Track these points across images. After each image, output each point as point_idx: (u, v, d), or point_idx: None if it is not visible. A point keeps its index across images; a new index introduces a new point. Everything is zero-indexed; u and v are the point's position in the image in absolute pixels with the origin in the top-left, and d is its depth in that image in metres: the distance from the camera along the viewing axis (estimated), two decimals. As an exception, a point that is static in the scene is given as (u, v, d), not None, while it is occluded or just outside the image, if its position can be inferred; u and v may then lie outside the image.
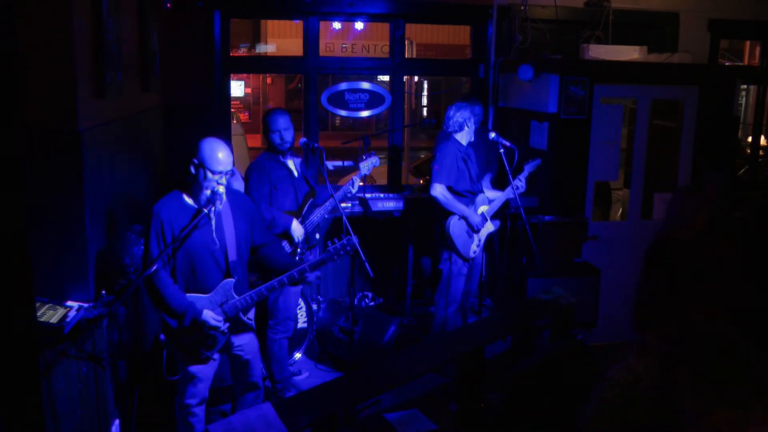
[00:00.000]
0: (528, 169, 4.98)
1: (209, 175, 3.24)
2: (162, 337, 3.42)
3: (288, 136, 4.36)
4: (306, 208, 4.43)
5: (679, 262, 3.82)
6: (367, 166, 4.77)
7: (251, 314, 3.58)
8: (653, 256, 4.10)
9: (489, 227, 4.98)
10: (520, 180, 4.92)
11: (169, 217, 3.25)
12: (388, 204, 5.46)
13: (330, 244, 3.52)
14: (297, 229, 4.31)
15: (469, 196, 4.87)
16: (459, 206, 4.77)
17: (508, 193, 4.89)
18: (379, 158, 4.93)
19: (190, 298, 3.30)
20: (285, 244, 4.32)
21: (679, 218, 4.02)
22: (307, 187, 4.51)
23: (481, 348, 4.00)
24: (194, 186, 3.30)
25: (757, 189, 6.97)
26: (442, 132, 5.16)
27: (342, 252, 3.51)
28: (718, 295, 3.64)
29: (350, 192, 4.67)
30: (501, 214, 5.11)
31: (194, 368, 3.41)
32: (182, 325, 3.27)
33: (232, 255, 3.39)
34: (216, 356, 3.46)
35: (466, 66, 6.42)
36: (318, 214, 4.49)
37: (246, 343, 3.57)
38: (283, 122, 4.35)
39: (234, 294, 3.38)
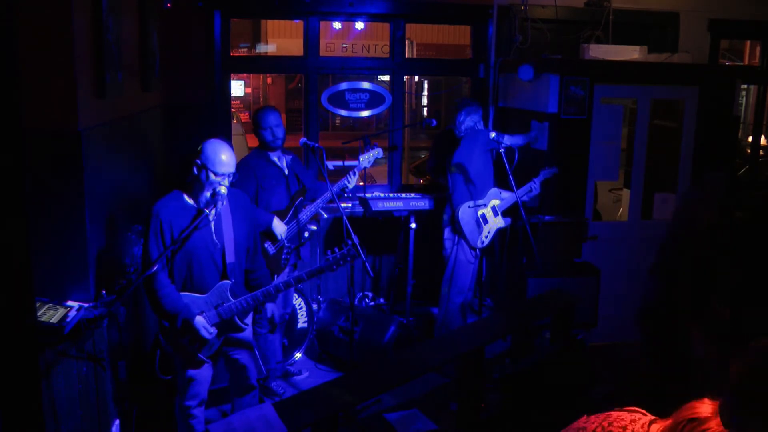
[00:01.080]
0: (544, 174, 5.05)
1: (212, 176, 3.22)
2: (161, 337, 3.42)
3: (279, 132, 4.36)
4: (295, 206, 4.40)
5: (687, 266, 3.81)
6: (367, 159, 4.65)
7: (248, 319, 3.55)
8: (665, 259, 4.09)
9: (500, 222, 5.04)
10: (534, 183, 4.99)
11: (168, 218, 3.24)
12: (388, 204, 5.45)
13: (330, 253, 3.50)
14: (278, 226, 4.27)
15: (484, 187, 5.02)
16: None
17: (520, 192, 4.90)
18: (382, 149, 4.83)
19: (187, 298, 3.30)
20: (268, 245, 4.30)
21: (688, 220, 4.02)
22: (297, 186, 4.48)
23: (481, 348, 4.00)
24: (195, 186, 3.29)
25: (757, 189, 6.97)
26: (444, 133, 5.17)
27: (342, 262, 3.49)
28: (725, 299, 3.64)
29: (347, 186, 4.51)
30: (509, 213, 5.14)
31: (191, 370, 3.42)
32: (174, 327, 3.27)
33: (230, 257, 3.38)
34: (209, 361, 3.46)
35: (467, 66, 6.41)
36: (309, 212, 4.43)
37: (242, 346, 3.57)
38: (273, 119, 4.34)
39: (230, 297, 3.37)
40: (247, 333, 3.58)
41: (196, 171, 3.26)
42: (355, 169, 4.57)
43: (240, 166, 4.39)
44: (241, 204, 3.51)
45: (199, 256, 3.31)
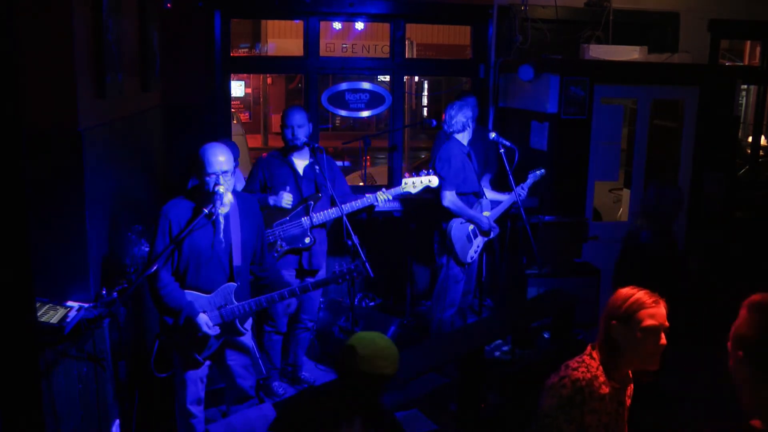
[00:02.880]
0: (532, 178, 4.94)
1: (205, 176, 3.24)
2: (162, 336, 3.42)
3: (300, 133, 4.29)
4: (296, 211, 4.31)
5: (652, 255, 3.93)
6: (413, 183, 4.38)
7: (248, 324, 3.54)
8: (629, 250, 4.22)
9: (488, 234, 4.93)
10: (522, 188, 4.87)
11: (177, 218, 3.27)
12: (388, 204, 5.44)
13: (337, 267, 3.54)
14: None
15: (472, 197, 4.84)
16: (470, 212, 4.74)
17: (510, 199, 4.85)
18: (438, 178, 4.47)
19: (190, 296, 3.31)
20: None
21: (655, 211, 4.14)
22: (312, 190, 4.38)
23: (481, 348, 4.00)
24: (200, 191, 3.33)
25: (757, 189, 6.97)
26: (442, 132, 5.13)
27: (348, 276, 3.51)
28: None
29: (376, 204, 4.37)
30: (501, 215, 5.09)
31: (189, 370, 3.43)
32: (177, 323, 3.28)
33: (237, 260, 3.38)
34: (207, 362, 3.46)
35: (467, 66, 6.42)
36: (316, 219, 4.29)
37: (239, 350, 3.56)
38: (298, 118, 4.30)
39: (234, 299, 3.38)
40: (246, 338, 3.57)
41: (197, 179, 3.32)
42: (392, 192, 4.38)
43: (255, 163, 4.42)
44: (250, 208, 3.51)
45: (206, 255, 3.32)
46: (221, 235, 3.32)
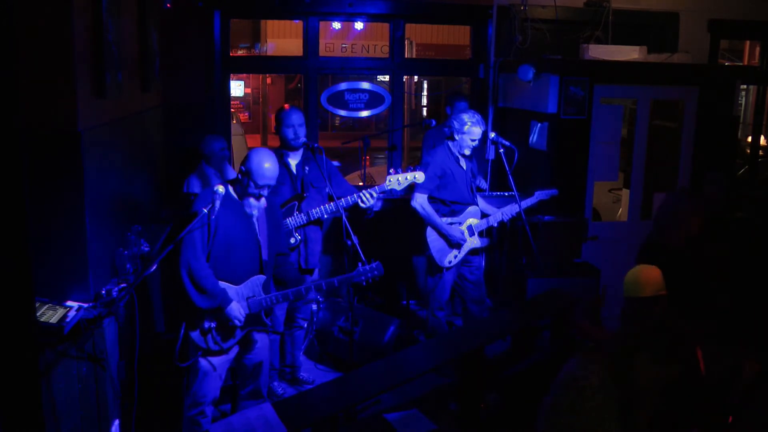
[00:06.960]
0: (539, 196, 4.86)
1: (253, 186, 3.41)
2: (183, 324, 3.46)
3: (301, 132, 4.35)
4: (286, 208, 4.31)
5: (669, 266, 3.89)
6: (397, 181, 4.34)
7: (278, 309, 3.65)
8: (644, 258, 4.17)
9: (474, 242, 4.80)
10: (524, 204, 4.78)
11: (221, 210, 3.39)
12: (377, 203, 5.40)
13: (360, 265, 3.63)
14: None
15: (452, 206, 4.75)
16: (437, 221, 4.66)
17: (507, 212, 4.80)
18: (419, 171, 4.41)
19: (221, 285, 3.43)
20: None
21: (673, 221, 4.08)
22: (306, 189, 4.38)
23: (481, 348, 4.00)
24: (237, 186, 3.51)
25: (757, 189, 6.98)
26: (430, 132, 5.11)
27: (370, 274, 3.62)
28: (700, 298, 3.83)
29: (359, 205, 4.35)
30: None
31: (207, 362, 3.47)
32: (212, 307, 3.36)
33: (265, 254, 3.54)
34: (235, 348, 3.53)
35: (466, 66, 6.42)
36: (299, 219, 4.31)
37: (257, 348, 3.64)
38: (298, 118, 4.35)
39: (262, 291, 3.50)
40: (265, 341, 3.67)
41: (240, 176, 3.47)
42: (377, 189, 4.37)
43: None
44: (273, 214, 3.68)
45: (240, 247, 3.45)
46: (257, 231, 3.49)
